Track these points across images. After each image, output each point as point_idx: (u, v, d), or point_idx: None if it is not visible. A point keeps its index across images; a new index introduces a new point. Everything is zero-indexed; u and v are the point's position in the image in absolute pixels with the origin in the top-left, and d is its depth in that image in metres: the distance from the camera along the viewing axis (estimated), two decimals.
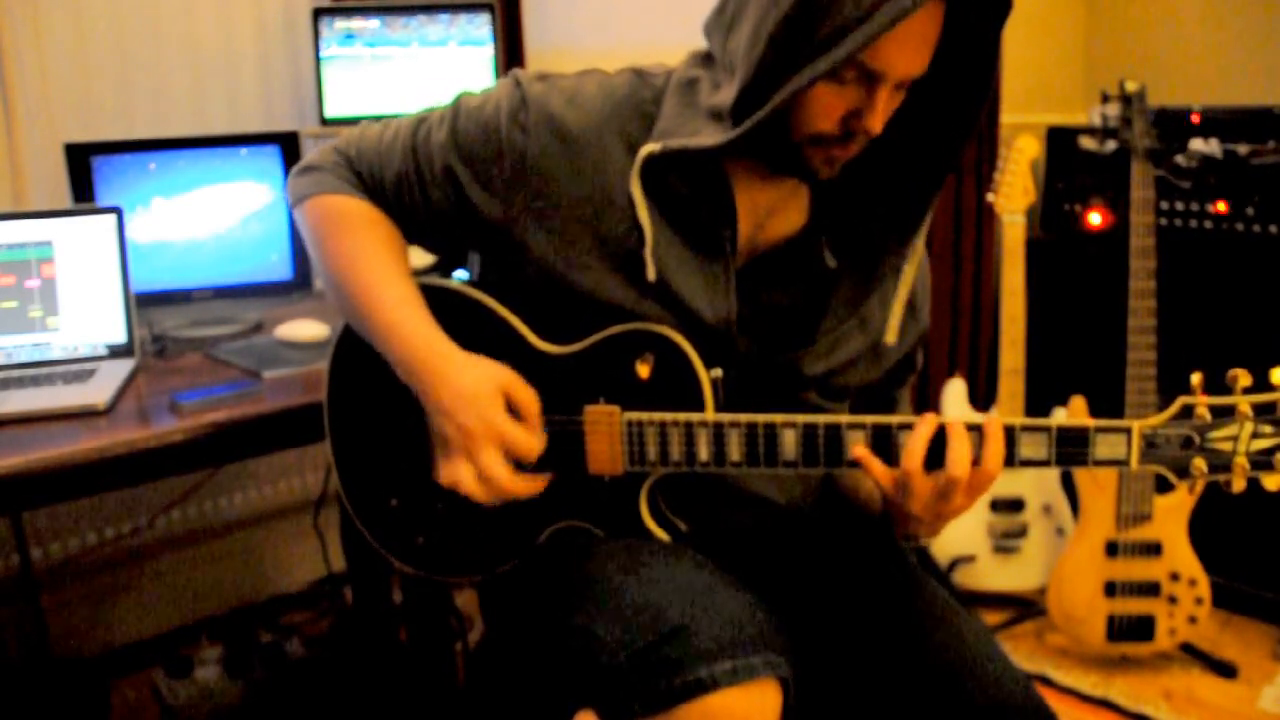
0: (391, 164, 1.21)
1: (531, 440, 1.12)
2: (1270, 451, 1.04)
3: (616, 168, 1.14)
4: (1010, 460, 1.07)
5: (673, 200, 1.14)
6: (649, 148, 1.10)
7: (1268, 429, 1.04)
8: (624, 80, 1.17)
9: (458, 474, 1.13)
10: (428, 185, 1.20)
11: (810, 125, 1.06)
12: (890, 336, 1.23)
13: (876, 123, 1.04)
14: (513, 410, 1.13)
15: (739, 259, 1.17)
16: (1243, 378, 1.04)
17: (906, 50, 1.01)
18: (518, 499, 1.14)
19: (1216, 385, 1.05)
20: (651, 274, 1.14)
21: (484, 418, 1.11)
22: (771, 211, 1.18)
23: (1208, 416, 1.05)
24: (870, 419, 1.09)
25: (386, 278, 1.19)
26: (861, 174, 1.14)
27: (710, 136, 1.07)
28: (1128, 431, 1.06)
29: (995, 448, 1.06)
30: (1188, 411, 1.06)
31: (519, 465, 1.13)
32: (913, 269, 1.22)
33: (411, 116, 1.24)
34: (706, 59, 1.14)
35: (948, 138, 1.13)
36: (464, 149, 1.17)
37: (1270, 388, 1.04)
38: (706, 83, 1.12)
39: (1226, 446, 1.05)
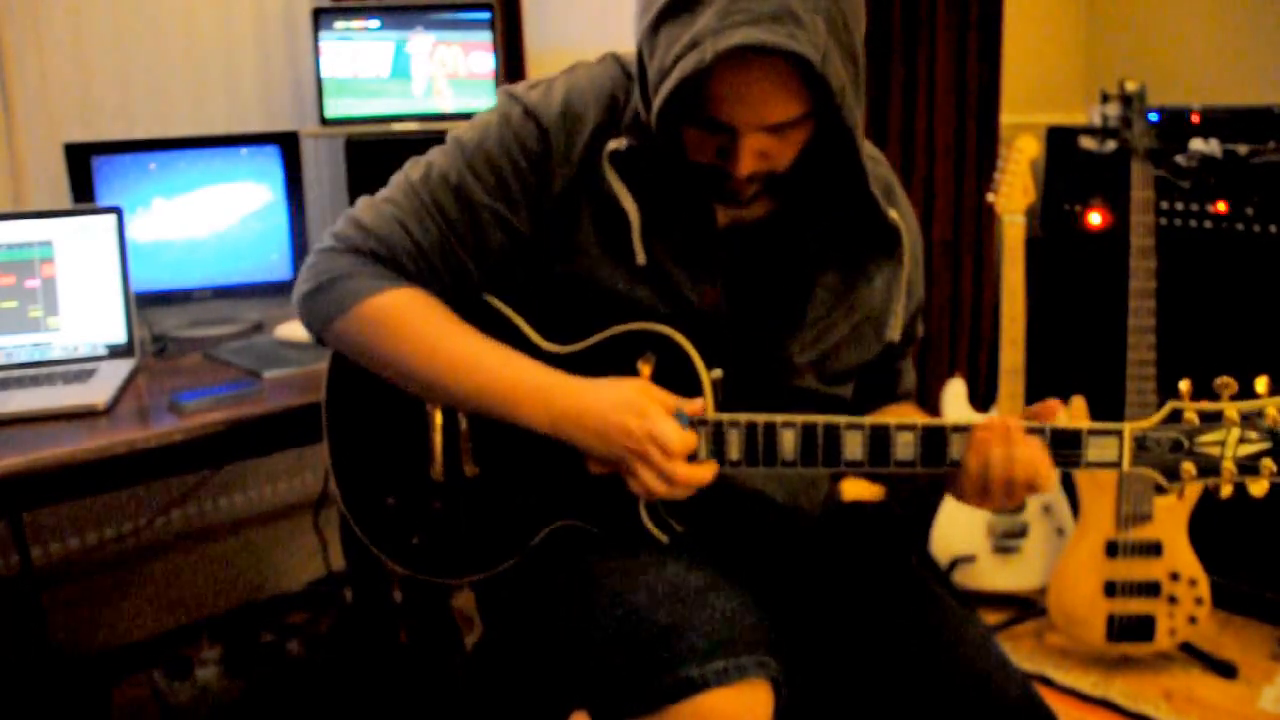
0: (427, 235, 1.17)
1: (683, 436, 1.08)
2: (1256, 457, 1.07)
3: (604, 156, 1.15)
4: (942, 460, 1.09)
5: (652, 187, 1.14)
6: (613, 144, 1.12)
7: (1253, 435, 1.06)
8: (607, 69, 1.19)
9: (647, 485, 1.09)
10: (467, 238, 1.18)
11: (691, 156, 1.08)
12: (894, 335, 1.24)
13: (742, 167, 1.05)
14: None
15: (718, 239, 1.18)
16: (1230, 384, 1.06)
17: (747, 103, 1.01)
18: (700, 486, 1.11)
19: (1205, 392, 1.08)
20: (641, 258, 1.14)
21: (628, 431, 1.08)
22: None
23: (1196, 420, 1.07)
24: (868, 420, 1.10)
25: (478, 348, 1.15)
26: (808, 179, 1.14)
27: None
28: (1119, 434, 1.07)
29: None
30: (1176, 415, 1.08)
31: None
32: (906, 273, 1.22)
33: (407, 183, 1.20)
34: None
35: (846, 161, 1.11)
36: (485, 182, 1.16)
37: (1255, 395, 1.07)
38: None
39: (1215, 451, 1.07)
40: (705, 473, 1.10)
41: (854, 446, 1.10)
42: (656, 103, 1.01)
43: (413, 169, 1.21)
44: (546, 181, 1.15)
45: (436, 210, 1.17)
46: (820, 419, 1.10)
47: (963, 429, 1.08)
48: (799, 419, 1.10)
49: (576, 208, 1.16)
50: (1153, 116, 2.26)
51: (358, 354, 1.21)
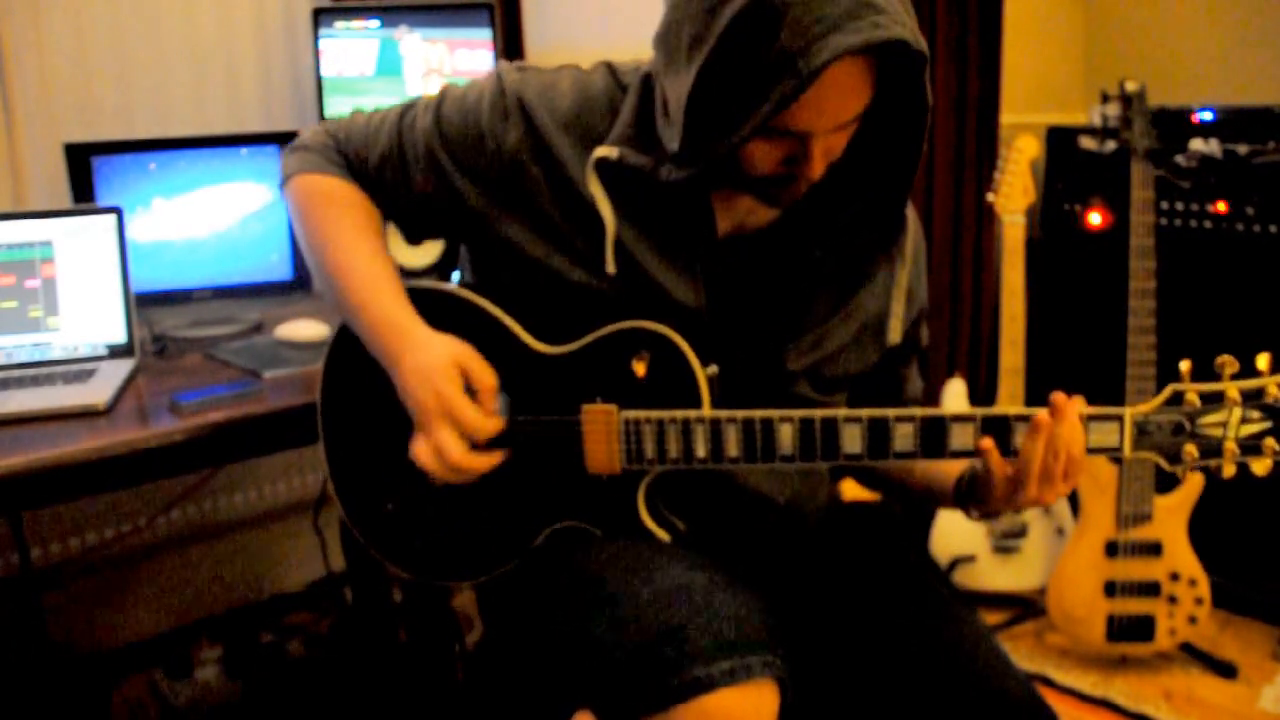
0: (377, 146, 1.23)
1: (482, 419, 1.12)
2: (1259, 436, 1.06)
3: (580, 162, 1.15)
4: (1007, 449, 1.08)
5: (640, 197, 1.14)
6: (603, 151, 1.12)
7: (1255, 414, 1.06)
8: (598, 76, 1.19)
9: (416, 449, 1.14)
10: (410, 169, 1.21)
11: (753, 170, 1.07)
12: (895, 336, 1.24)
13: (815, 170, 1.04)
14: (470, 389, 1.13)
15: (718, 248, 1.17)
16: (1230, 364, 1.05)
17: (826, 108, 1.00)
18: (474, 475, 1.14)
19: (1206, 374, 1.06)
20: (610, 267, 1.15)
21: (437, 392, 1.11)
22: (751, 211, 1.18)
23: (1197, 402, 1.07)
24: (865, 412, 1.09)
25: (360, 257, 1.20)
26: (831, 178, 1.14)
27: (663, 168, 1.08)
28: (1120, 419, 1.07)
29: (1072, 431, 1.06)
30: (1177, 398, 1.07)
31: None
32: (906, 271, 1.22)
33: (399, 104, 1.26)
34: None
35: (902, 153, 1.11)
36: (447, 136, 1.19)
37: (1256, 374, 1.06)
38: (659, 90, 1.12)
39: (1216, 432, 1.06)
40: (484, 463, 1.14)
41: (852, 439, 1.10)
42: (747, 130, 0.99)
43: (404, 103, 1.27)
44: (506, 164, 1.16)
45: (396, 135, 1.22)
46: (818, 413, 1.10)
47: (962, 419, 1.08)
48: (796, 413, 1.10)
49: (546, 203, 1.16)
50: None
51: (291, 216, 1.28)
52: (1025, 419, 1.07)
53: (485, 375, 1.14)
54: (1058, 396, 1.06)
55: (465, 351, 1.14)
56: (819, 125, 1.01)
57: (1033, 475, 1.06)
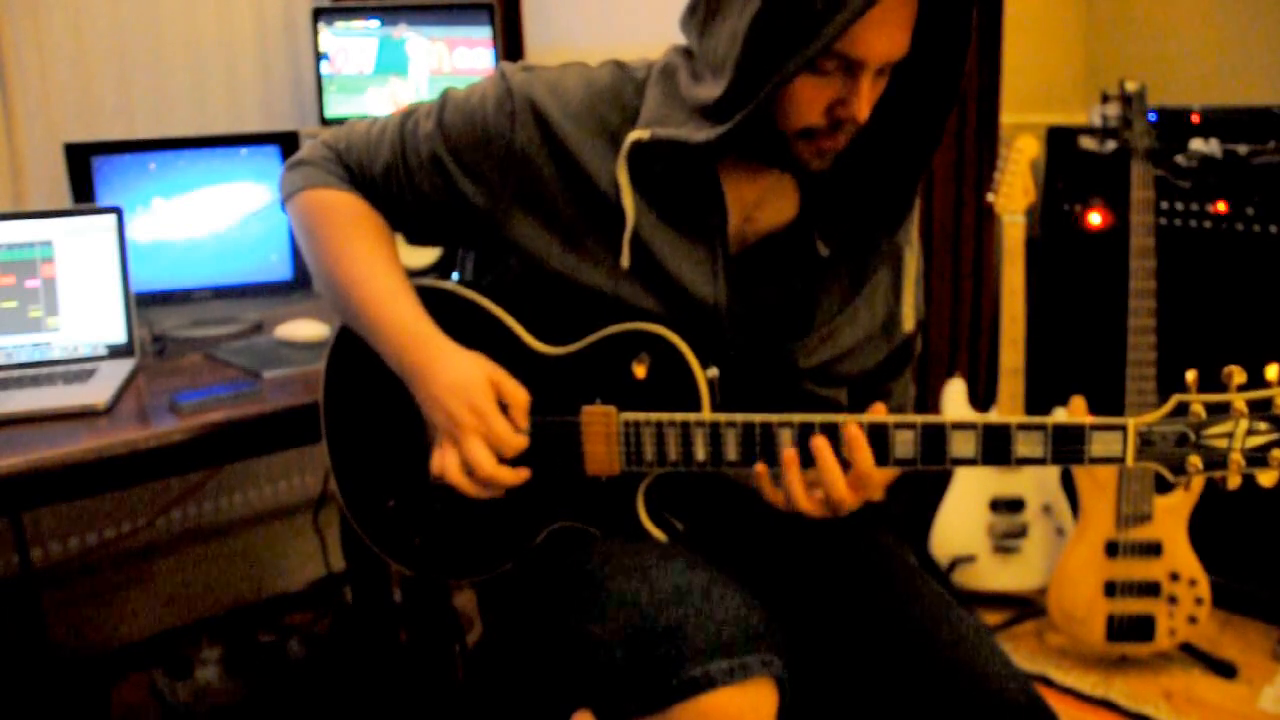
0: (380, 156, 1.22)
1: (515, 436, 1.13)
2: (1265, 448, 1.04)
3: (598, 155, 1.14)
4: (1008, 458, 1.07)
5: (660, 187, 1.14)
6: (637, 134, 1.11)
7: (1263, 425, 1.04)
8: (606, 72, 1.19)
9: (444, 462, 1.14)
10: (415, 175, 1.21)
11: (796, 119, 1.07)
12: (909, 325, 1.25)
13: (862, 110, 1.05)
14: (501, 405, 1.14)
15: (729, 249, 1.17)
16: (1237, 375, 1.04)
17: (884, 34, 1.01)
18: (502, 489, 1.14)
19: (1212, 383, 1.05)
20: (626, 261, 1.15)
21: (473, 407, 1.12)
22: (760, 204, 1.19)
23: (1203, 414, 1.05)
24: (866, 418, 1.09)
25: (376, 270, 1.19)
26: (847, 164, 1.15)
27: (697, 132, 1.07)
28: (1123, 429, 1.06)
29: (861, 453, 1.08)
30: (1183, 409, 1.05)
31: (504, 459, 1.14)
32: (914, 255, 1.22)
33: (398, 112, 1.25)
34: (686, 52, 1.15)
35: (928, 121, 1.13)
36: (451, 139, 1.18)
37: (1265, 384, 1.04)
38: (685, 73, 1.13)
39: (1221, 444, 1.05)
40: (512, 476, 1.14)
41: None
42: (818, 45, 0.98)
43: (404, 110, 1.26)
44: (514, 164, 1.16)
45: (399, 143, 1.21)
46: (818, 417, 1.10)
47: (963, 426, 1.08)
48: (796, 418, 1.10)
49: (558, 200, 1.16)
50: (1152, 116, 2.26)
51: (296, 233, 1.28)
52: (1036, 428, 1.06)
53: (519, 392, 1.15)
54: (814, 442, 1.09)
55: (497, 369, 1.15)
56: (877, 51, 1.02)
57: (797, 499, 1.10)
